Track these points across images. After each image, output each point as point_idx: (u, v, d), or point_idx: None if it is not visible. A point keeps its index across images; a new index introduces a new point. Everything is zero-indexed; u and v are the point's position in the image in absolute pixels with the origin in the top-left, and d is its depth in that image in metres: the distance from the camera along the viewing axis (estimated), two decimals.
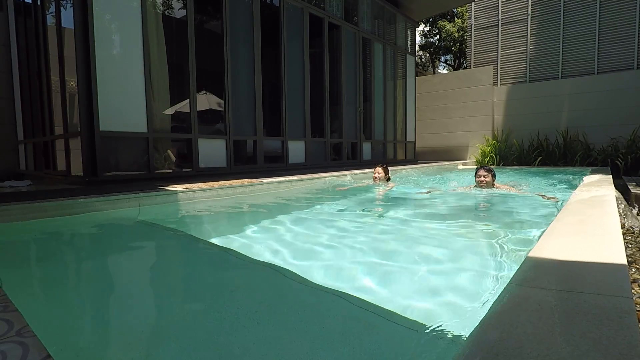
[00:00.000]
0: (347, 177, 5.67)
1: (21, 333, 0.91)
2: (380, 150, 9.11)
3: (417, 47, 14.11)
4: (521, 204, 3.66)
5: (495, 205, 3.77)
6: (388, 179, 5.14)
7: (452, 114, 11.20)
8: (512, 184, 4.94)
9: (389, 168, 5.47)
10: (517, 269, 1.35)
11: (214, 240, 2.42)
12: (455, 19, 17.87)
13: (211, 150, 5.32)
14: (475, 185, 4.40)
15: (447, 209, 3.65)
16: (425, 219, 3.13)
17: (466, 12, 14.97)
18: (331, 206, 3.87)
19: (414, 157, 10.47)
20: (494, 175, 4.36)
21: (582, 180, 4.73)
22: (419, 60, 19.61)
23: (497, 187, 4.40)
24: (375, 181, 5.12)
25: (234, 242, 2.37)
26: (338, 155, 7.87)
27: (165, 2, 7.80)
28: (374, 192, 4.78)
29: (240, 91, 5.70)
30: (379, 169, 5.12)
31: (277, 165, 6.40)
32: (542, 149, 9.52)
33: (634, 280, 1.68)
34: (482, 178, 4.28)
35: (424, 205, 3.86)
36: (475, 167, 6.62)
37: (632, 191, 3.91)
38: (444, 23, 18.08)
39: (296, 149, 6.72)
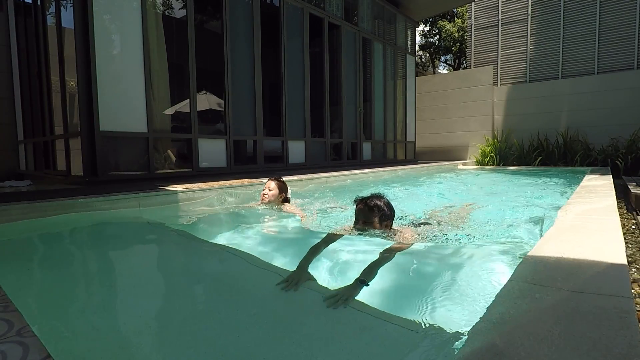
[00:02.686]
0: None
1: (21, 333, 0.91)
2: (380, 150, 9.11)
3: (417, 47, 14.11)
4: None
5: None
6: (285, 200, 3.40)
7: (452, 114, 11.20)
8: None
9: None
10: (516, 268, 1.35)
11: (213, 240, 2.42)
12: (455, 19, 17.87)
13: (211, 150, 5.32)
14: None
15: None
16: None
17: (466, 12, 14.97)
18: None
19: (414, 157, 10.47)
20: (383, 217, 2.24)
21: (582, 180, 4.73)
22: (419, 60, 19.61)
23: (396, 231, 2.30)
24: (263, 201, 3.31)
25: (233, 242, 2.37)
26: (338, 155, 7.87)
27: (165, 2, 7.80)
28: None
29: (240, 91, 5.70)
30: (272, 184, 3.35)
31: (277, 165, 6.40)
32: (542, 149, 9.52)
33: (634, 280, 1.68)
34: (360, 224, 2.25)
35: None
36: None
37: (632, 191, 3.91)
38: (444, 23, 18.08)
39: (296, 149, 6.72)
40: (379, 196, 2.32)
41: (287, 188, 3.47)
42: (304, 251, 1.89)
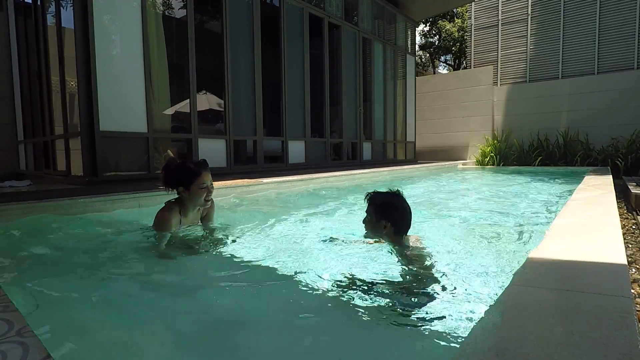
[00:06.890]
0: None
1: (21, 333, 0.91)
2: (380, 150, 9.11)
3: (417, 47, 14.10)
4: None
5: None
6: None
7: (452, 114, 11.20)
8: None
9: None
10: (517, 269, 1.35)
11: (211, 241, 2.41)
12: (455, 19, 17.88)
13: (211, 150, 5.32)
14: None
15: None
16: None
17: (466, 12, 14.97)
18: None
19: (414, 157, 10.47)
20: (378, 212, 1.86)
21: (582, 180, 4.73)
22: (419, 60, 19.60)
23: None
24: (208, 202, 2.36)
25: (233, 242, 2.37)
26: (338, 155, 7.87)
27: (165, 2, 7.80)
28: None
29: (240, 91, 5.70)
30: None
31: (277, 165, 6.40)
32: (542, 149, 9.52)
33: (634, 280, 1.68)
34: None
35: None
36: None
37: (632, 191, 3.91)
38: (444, 23, 18.09)
39: (296, 149, 6.72)
40: (388, 192, 1.94)
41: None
42: None
